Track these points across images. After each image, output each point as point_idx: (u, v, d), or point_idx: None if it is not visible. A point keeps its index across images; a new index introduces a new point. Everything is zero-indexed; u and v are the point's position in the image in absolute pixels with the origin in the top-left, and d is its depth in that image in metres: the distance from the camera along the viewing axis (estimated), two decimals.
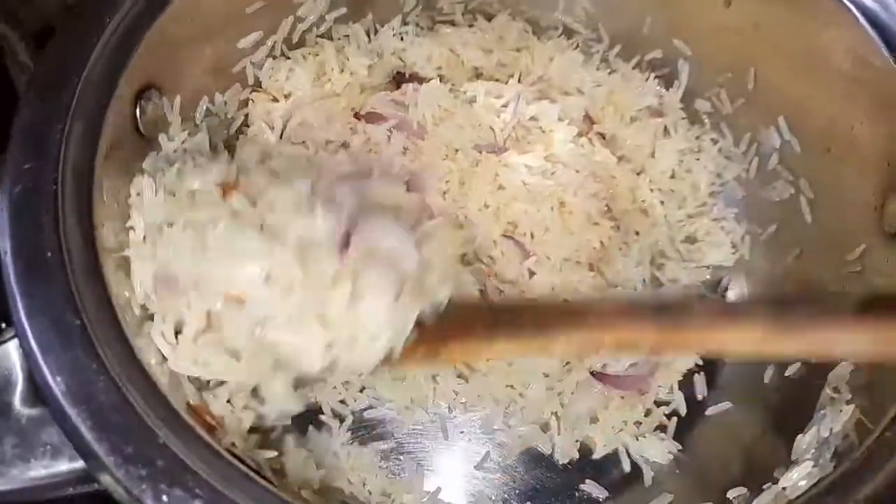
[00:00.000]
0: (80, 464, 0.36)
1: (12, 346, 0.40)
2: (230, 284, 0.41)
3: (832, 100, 0.55)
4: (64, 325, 0.35)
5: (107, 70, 0.46)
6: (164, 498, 0.31)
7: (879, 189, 0.50)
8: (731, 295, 0.64)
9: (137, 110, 0.50)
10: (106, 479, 0.32)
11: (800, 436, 0.45)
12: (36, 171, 0.40)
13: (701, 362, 0.60)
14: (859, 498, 0.34)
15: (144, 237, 0.44)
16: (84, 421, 0.32)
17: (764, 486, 0.43)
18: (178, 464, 0.32)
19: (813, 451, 0.43)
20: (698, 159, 0.67)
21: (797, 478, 0.41)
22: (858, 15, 0.50)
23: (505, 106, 0.65)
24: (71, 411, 0.33)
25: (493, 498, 0.57)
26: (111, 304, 0.38)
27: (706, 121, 0.67)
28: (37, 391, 0.37)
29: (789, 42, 0.57)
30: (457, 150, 0.62)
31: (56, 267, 0.37)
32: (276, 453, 0.44)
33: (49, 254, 0.37)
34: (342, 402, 0.57)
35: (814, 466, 0.41)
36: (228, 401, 0.42)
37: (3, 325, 0.40)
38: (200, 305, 0.41)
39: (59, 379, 0.34)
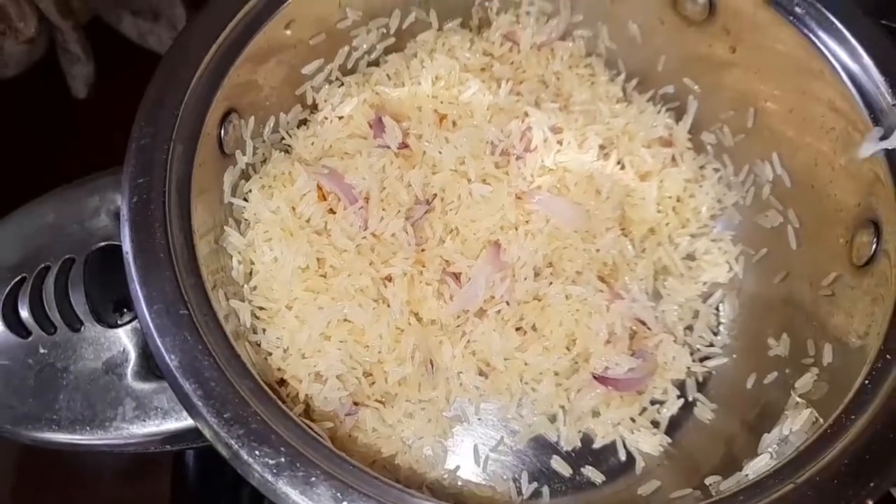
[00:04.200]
0: (183, 424, 0.46)
1: (122, 332, 0.49)
2: None
3: (817, 143, 0.62)
4: (175, 314, 0.44)
5: (200, 101, 0.55)
6: (257, 452, 0.40)
7: (851, 225, 0.58)
8: (724, 308, 0.72)
9: (221, 132, 0.59)
10: (211, 436, 0.41)
11: (766, 433, 0.53)
12: (148, 185, 0.49)
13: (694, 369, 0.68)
14: (797, 481, 0.42)
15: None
16: (195, 391, 0.42)
17: (734, 474, 0.52)
18: (266, 426, 0.41)
19: (775, 446, 0.51)
20: (701, 186, 0.74)
21: (758, 467, 0.49)
22: (843, 74, 0.58)
23: (529, 129, 0.73)
24: (184, 382, 0.42)
25: (505, 477, 0.64)
26: (207, 295, 0.47)
27: (710, 151, 0.75)
28: (149, 366, 0.47)
29: (784, 88, 0.64)
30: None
31: (167, 266, 0.46)
32: (332, 424, 0.53)
33: (161, 255, 0.47)
34: None
35: (771, 458, 0.49)
36: None
37: (124, 310, 0.50)
38: None
39: (172, 357, 0.43)
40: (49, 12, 0.85)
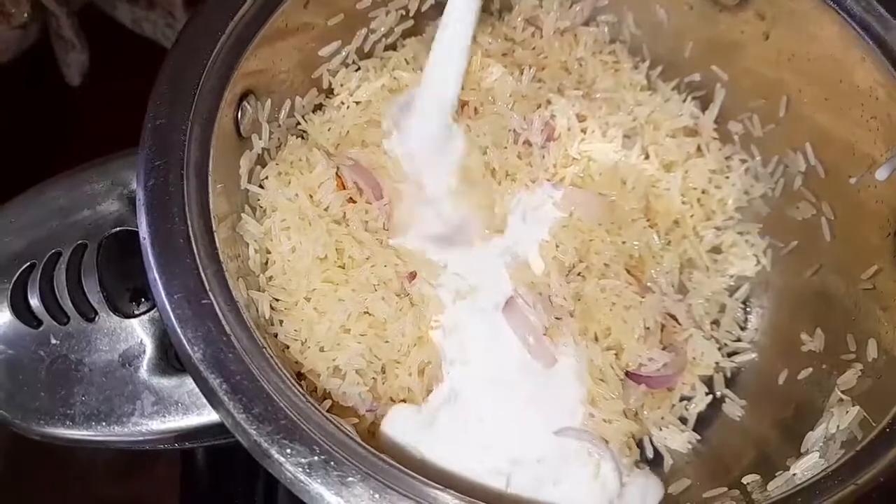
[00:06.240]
0: (206, 419, 0.43)
1: (138, 322, 0.47)
2: None
3: (855, 133, 0.60)
4: (197, 303, 0.42)
5: (217, 81, 0.53)
6: (288, 450, 0.38)
7: (893, 217, 0.56)
8: (752, 302, 0.70)
9: (238, 114, 0.56)
10: (239, 434, 0.39)
11: (810, 432, 0.51)
12: (165, 169, 0.47)
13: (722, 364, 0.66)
14: (859, 482, 0.41)
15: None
16: (220, 385, 0.39)
17: (777, 474, 0.50)
18: (295, 423, 0.39)
19: (821, 444, 0.49)
20: (727, 177, 0.72)
21: (806, 467, 0.47)
22: (886, 61, 0.56)
23: (553, 117, 0.70)
24: (209, 376, 0.39)
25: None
26: (228, 284, 0.45)
27: (737, 141, 0.73)
28: (167, 358, 0.44)
29: (820, 76, 0.62)
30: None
31: (186, 252, 0.44)
32: (356, 420, 0.51)
33: (181, 240, 0.44)
34: None
35: (820, 457, 0.47)
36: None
37: (141, 299, 0.47)
38: None
39: (195, 349, 0.40)
40: None
